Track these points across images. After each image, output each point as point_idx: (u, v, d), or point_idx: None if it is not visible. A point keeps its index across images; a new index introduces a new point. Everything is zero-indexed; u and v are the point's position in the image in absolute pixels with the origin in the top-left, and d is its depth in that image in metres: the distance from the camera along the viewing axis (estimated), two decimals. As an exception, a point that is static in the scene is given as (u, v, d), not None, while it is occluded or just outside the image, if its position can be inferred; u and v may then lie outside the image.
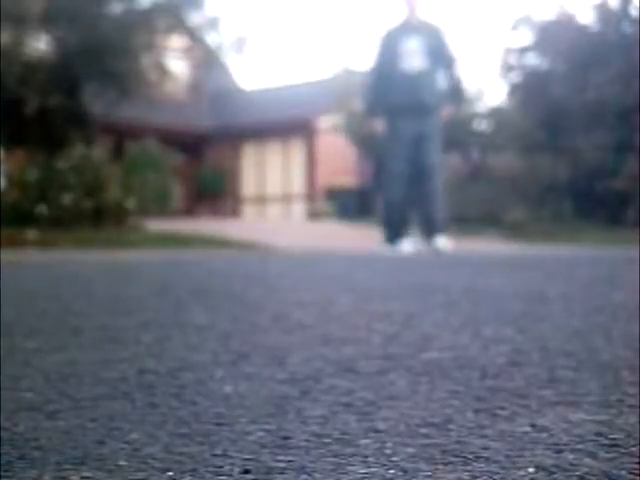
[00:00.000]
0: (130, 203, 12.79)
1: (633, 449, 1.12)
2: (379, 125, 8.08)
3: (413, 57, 7.88)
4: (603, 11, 16.98)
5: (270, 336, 2.23)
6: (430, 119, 7.88)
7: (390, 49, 7.99)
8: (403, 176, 7.88)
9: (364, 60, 30.94)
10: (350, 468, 1.07)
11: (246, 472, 1.06)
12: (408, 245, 7.89)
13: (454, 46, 8.28)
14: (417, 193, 7.93)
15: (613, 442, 1.16)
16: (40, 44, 15.15)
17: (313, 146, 25.24)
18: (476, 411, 1.35)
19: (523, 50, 17.86)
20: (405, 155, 7.85)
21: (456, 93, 8.37)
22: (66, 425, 1.31)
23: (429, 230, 7.89)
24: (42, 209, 12.00)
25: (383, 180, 8.36)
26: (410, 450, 1.14)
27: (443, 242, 7.77)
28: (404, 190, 7.90)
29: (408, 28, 8.01)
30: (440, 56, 7.98)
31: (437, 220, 7.89)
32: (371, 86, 8.20)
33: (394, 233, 7.98)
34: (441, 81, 8.05)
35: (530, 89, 17.35)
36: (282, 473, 1.05)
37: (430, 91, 7.89)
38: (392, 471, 1.05)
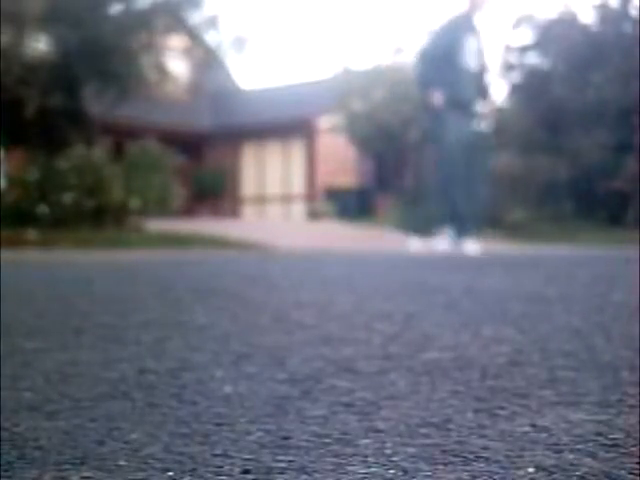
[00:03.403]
0: (133, 203, 12.80)
1: (633, 449, 1.12)
2: (438, 97, 7.73)
3: (473, 56, 7.86)
4: (604, 11, 16.97)
5: (270, 336, 2.23)
6: (474, 119, 7.92)
7: (450, 40, 7.87)
8: (456, 174, 7.81)
9: (364, 60, 30.91)
10: (350, 468, 1.07)
11: (246, 472, 1.06)
12: (443, 243, 7.82)
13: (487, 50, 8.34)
14: (466, 191, 7.88)
15: (613, 442, 1.16)
16: (40, 44, 15.15)
17: (313, 146, 25.25)
18: (476, 411, 1.35)
19: (524, 49, 17.86)
20: (460, 154, 7.76)
21: (484, 92, 8.33)
22: (66, 425, 1.31)
23: (465, 231, 7.84)
24: (42, 209, 12.00)
25: (436, 174, 8.15)
26: (410, 450, 1.14)
27: (475, 246, 7.73)
28: (453, 185, 7.83)
29: (469, 25, 7.95)
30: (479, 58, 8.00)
31: (474, 222, 7.90)
32: (426, 61, 8.00)
33: (438, 226, 7.93)
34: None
35: (530, 89, 17.34)
36: (282, 473, 1.05)
37: (477, 90, 7.95)
38: (392, 471, 1.05)
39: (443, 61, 7.82)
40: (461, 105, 7.78)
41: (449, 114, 7.77)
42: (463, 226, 7.85)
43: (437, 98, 7.72)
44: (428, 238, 7.93)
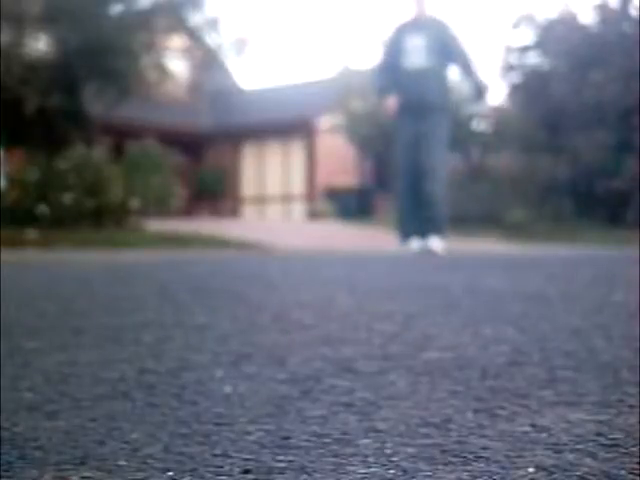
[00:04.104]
0: (133, 203, 12.79)
1: (633, 449, 1.12)
2: (392, 101, 7.81)
3: (416, 55, 7.84)
4: (604, 11, 16.97)
5: (270, 336, 2.23)
6: (433, 118, 7.85)
7: (396, 46, 7.94)
8: (410, 174, 7.86)
9: (365, 60, 30.91)
10: (350, 468, 1.07)
11: (246, 472, 1.06)
12: (417, 243, 7.86)
13: (464, 41, 8.23)
14: (418, 192, 7.90)
15: (613, 442, 1.16)
16: (40, 44, 15.15)
17: (313, 146, 25.24)
18: (476, 411, 1.35)
19: (524, 49, 17.85)
20: (410, 154, 7.83)
21: (477, 89, 8.32)
22: (66, 425, 1.31)
23: (425, 230, 7.87)
24: (42, 209, 12.00)
25: (396, 179, 8.32)
26: (410, 450, 1.14)
27: (437, 243, 7.74)
28: (412, 188, 7.88)
29: (415, 26, 7.96)
30: (450, 53, 7.96)
31: (434, 221, 7.88)
32: (379, 70, 8.10)
33: (405, 231, 7.98)
34: (460, 79, 8.08)
35: (530, 89, 17.34)
36: (282, 473, 1.05)
37: (434, 89, 7.87)
38: (392, 471, 1.05)
39: (392, 66, 7.90)
40: (410, 106, 7.78)
41: (399, 118, 7.87)
42: (424, 225, 7.89)
43: (390, 104, 7.85)
44: (409, 239, 7.95)
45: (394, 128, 8.17)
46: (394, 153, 8.22)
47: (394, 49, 7.97)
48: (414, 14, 8.04)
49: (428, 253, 7.48)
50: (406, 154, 7.87)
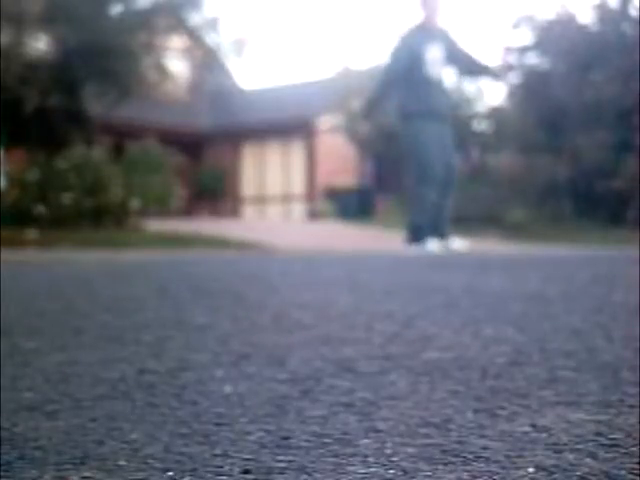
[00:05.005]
0: (133, 203, 12.80)
1: (633, 449, 1.12)
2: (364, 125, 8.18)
3: (436, 65, 7.97)
4: (603, 11, 16.97)
5: (270, 336, 2.23)
6: (447, 125, 8.09)
7: (412, 52, 7.95)
8: (437, 179, 7.94)
9: (365, 60, 30.88)
10: (350, 468, 1.07)
11: (246, 472, 1.06)
12: (433, 245, 7.91)
13: (461, 42, 8.36)
14: (440, 195, 7.98)
15: (613, 442, 1.16)
16: (40, 44, 15.16)
17: (313, 146, 25.24)
18: (476, 411, 1.35)
19: (523, 49, 17.85)
20: (438, 160, 7.92)
21: (493, 74, 8.55)
22: (66, 425, 1.31)
23: (444, 231, 7.98)
24: (42, 209, 12.00)
25: (415, 183, 8.25)
26: (410, 450, 1.14)
27: (461, 243, 7.89)
28: (436, 192, 7.96)
29: (429, 34, 8.01)
30: (455, 57, 8.09)
31: (448, 222, 8.08)
32: (388, 83, 8.15)
33: (420, 233, 8.01)
34: (470, 77, 8.34)
35: (530, 89, 17.34)
36: (282, 473, 1.05)
37: (448, 97, 8.13)
38: (392, 471, 1.05)
39: (408, 74, 7.92)
40: (431, 114, 7.89)
41: (420, 124, 7.93)
42: (443, 227, 7.97)
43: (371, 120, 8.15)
44: (421, 241, 7.99)
45: (410, 133, 8.08)
46: (420, 157, 8.02)
47: (411, 57, 7.96)
48: (423, 19, 8.04)
49: (452, 253, 7.53)
50: (435, 160, 7.92)
